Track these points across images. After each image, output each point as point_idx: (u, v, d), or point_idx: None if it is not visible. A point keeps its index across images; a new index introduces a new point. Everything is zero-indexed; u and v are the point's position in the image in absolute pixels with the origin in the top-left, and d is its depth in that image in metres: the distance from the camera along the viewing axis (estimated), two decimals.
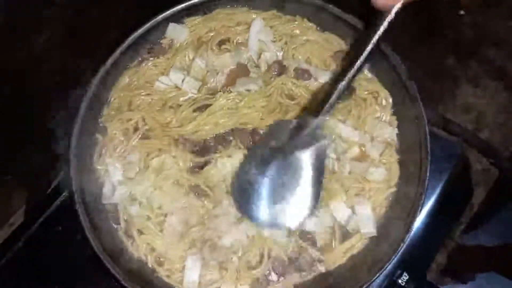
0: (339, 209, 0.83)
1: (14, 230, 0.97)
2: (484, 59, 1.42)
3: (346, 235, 0.85)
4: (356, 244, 0.85)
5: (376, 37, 0.74)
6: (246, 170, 0.83)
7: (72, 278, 0.92)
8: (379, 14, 0.74)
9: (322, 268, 0.84)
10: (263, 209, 0.80)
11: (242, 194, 0.82)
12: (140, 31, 0.90)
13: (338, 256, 0.84)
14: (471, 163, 1.27)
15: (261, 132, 0.88)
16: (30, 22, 1.18)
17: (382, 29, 0.73)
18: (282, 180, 0.81)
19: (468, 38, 1.43)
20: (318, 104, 0.80)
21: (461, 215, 1.19)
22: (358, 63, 0.75)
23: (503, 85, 1.40)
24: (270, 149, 0.83)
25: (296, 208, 0.80)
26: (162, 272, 0.83)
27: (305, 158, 0.81)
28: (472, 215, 1.24)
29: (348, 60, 0.82)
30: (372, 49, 0.75)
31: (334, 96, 0.77)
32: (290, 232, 0.83)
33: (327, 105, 0.78)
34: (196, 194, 0.85)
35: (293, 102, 0.91)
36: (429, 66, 1.40)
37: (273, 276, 0.83)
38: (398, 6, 0.71)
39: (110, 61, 0.87)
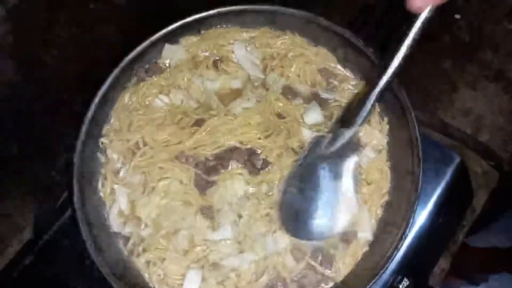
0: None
1: (24, 245, 1.00)
2: (482, 63, 1.43)
3: (347, 239, 0.87)
4: (357, 250, 0.86)
5: (407, 43, 0.72)
6: (289, 187, 0.85)
7: None
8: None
9: (329, 283, 0.85)
10: (308, 224, 0.83)
11: (288, 212, 0.84)
12: (136, 51, 0.93)
13: (346, 265, 0.86)
14: (471, 166, 1.27)
15: (258, 151, 0.90)
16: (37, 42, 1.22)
17: (412, 34, 0.71)
18: (322, 193, 0.83)
19: (464, 41, 1.44)
20: (351, 115, 0.81)
21: (463, 219, 1.19)
22: (390, 71, 0.73)
23: (501, 88, 1.40)
24: (308, 164, 0.85)
25: (339, 216, 0.83)
26: None
27: (344, 168, 0.83)
28: (475, 218, 1.24)
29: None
30: (405, 56, 0.72)
31: (367, 107, 0.77)
32: (299, 254, 0.85)
33: (359, 116, 0.79)
34: (204, 215, 0.88)
35: (283, 121, 0.93)
36: (426, 70, 1.42)
37: None
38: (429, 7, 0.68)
39: (108, 82, 0.91)
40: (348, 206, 0.82)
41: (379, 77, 0.75)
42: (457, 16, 1.45)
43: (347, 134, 0.81)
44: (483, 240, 1.53)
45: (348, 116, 0.84)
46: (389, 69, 0.74)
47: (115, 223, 0.89)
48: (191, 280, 0.83)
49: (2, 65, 1.15)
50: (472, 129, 1.35)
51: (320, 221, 0.82)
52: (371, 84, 0.78)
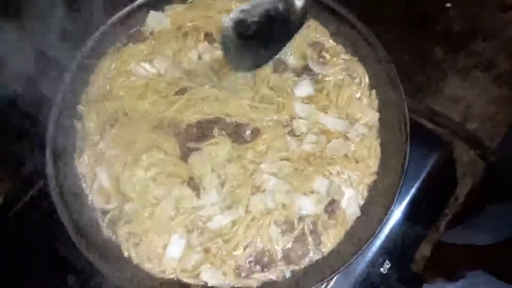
0: (321, 184, 0.86)
1: None
2: (473, 52, 1.45)
3: (332, 210, 0.87)
4: (343, 225, 0.87)
5: None
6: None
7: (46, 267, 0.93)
8: None
9: (314, 256, 0.85)
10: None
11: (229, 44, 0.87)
12: (118, 16, 0.92)
13: (332, 239, 0.86)
14: (458, 154, 1.29)
15: (246, 123, 0.90)
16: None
17: None
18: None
19: (456, 30, 1.46)
20: None
21: (446, 206, 1.21)
22: None
23: (491, 77, 1.42)
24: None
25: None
26: (142, 261, 0.84)
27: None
28: (458, 207, 1.26)
29: None
30: None
31: None
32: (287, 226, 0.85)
33: None
34: (190, 186, 0.87)
35: (274, 94, 0.93)
36: (417, 58, 1.43)
37: (257, 267, 0.84)
38: None
39: (88, 45, 0.89)
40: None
41: None
42: (448, 5, 1.47)
43: None
44: (462, 237, 1.56)
45: None
46: None
47: (96, 199, 0.88)
48: (175, 244, 0.82)
49: None
50: (461, 117, 1.37)
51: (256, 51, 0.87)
52: None
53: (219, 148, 0.87)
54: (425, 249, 1.18)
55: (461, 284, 1.63)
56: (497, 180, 1.35)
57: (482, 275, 1.53)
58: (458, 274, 1.62)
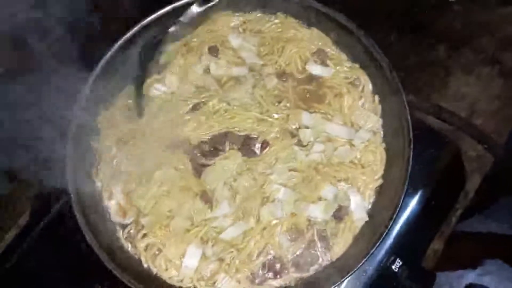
0: (329, 192, 0.89)
1: (19, 232, 1.04)
2: (476, 47, 1.45)
3: (339, 216, 0.90)
4: (352, 230, 0.89)
5: None
6: None
7: (73, 278, 0.99)
8: None
9: (324, 262, 0.88)
10: None
11: None
12: (130, 33, 0.96)
13: (341, 244, 0.88)
14: (466, 150, 1.30)
15: (255, 136, 0.94)
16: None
17: None
18: None
19: (459, 26, 1.46)
20: None
21: (456, 202, 1.22)
22: None
23: (495, 72, 1.43)
24: None
25: None
26: (161, 271, 0.89)
27: None
28: (468, 202, 1.27)
29: None
30: None
31: None
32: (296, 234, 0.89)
33: None
34: (203, 199, 0.91)
35: (281, 104, 0.96)
36: (421, 55, 1.44)
37: (270, 274, 0.88)
38: None
39: (99, 66, 0.92)
40: None
41: None
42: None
43: None
44: (477, 227, 1.56)
45: None
46: None
47: (114, 214, 0.92)
48: (191, 255, 0.86)
49: None
50: (467, 113, 1.38)
51: None
52: None
53: (230, 162, 0.91)
54: (436, 245, 1.20)
55: (478, 271, 1.63)
56: (507, 172, 1.35)
57: (499, 263, 1.53)
58: (475, 261, 1.62)
